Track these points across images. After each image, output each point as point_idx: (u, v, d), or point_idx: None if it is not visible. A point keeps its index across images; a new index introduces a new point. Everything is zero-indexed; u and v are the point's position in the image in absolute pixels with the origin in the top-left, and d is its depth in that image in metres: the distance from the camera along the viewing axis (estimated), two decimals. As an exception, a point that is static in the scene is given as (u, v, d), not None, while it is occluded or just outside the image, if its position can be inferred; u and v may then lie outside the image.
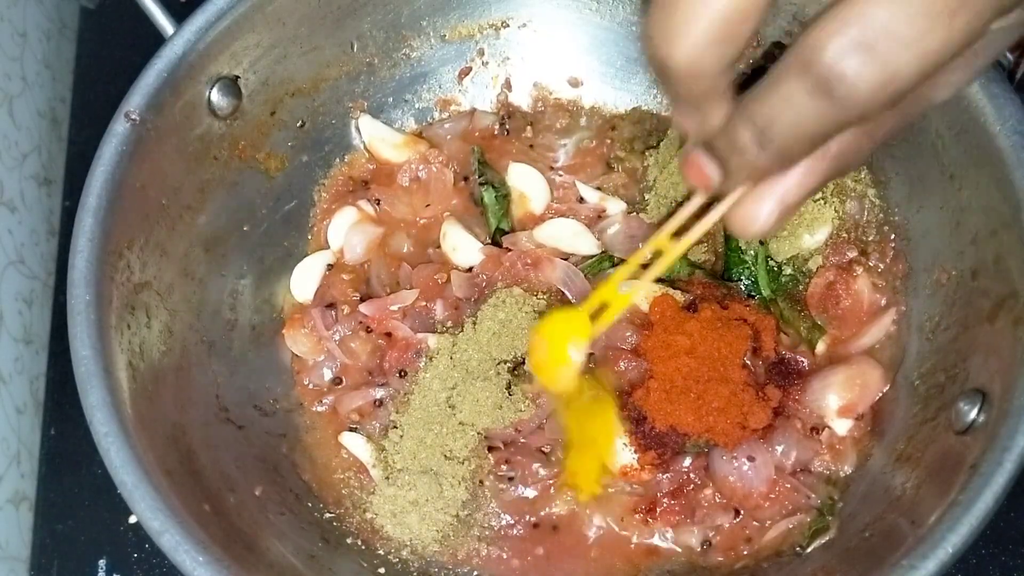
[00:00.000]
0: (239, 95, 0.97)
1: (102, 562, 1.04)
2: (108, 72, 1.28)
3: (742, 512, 0.94)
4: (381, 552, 0.94)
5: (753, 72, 1.05)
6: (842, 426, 0.95)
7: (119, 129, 0.88)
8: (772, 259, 1.02)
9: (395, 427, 0.96)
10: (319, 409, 1.02)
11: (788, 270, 1.02)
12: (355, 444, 0.98)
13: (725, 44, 0.53)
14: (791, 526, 0.92)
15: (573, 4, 1.10)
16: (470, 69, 1.13)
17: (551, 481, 0.96)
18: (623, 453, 0.94)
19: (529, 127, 1.13)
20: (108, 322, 0.84)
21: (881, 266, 1.00)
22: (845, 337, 0.99)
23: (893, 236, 1.00)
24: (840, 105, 0.51)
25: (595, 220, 1.05)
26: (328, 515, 0.96)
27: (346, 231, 1.07)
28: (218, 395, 0.96)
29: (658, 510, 0.93)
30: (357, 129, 1.10)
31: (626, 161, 1.10)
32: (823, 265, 1.01)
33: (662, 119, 1.11)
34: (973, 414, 0.81)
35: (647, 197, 1.05)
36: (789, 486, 0.92)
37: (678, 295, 0.99)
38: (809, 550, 0.90)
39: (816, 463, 0.94)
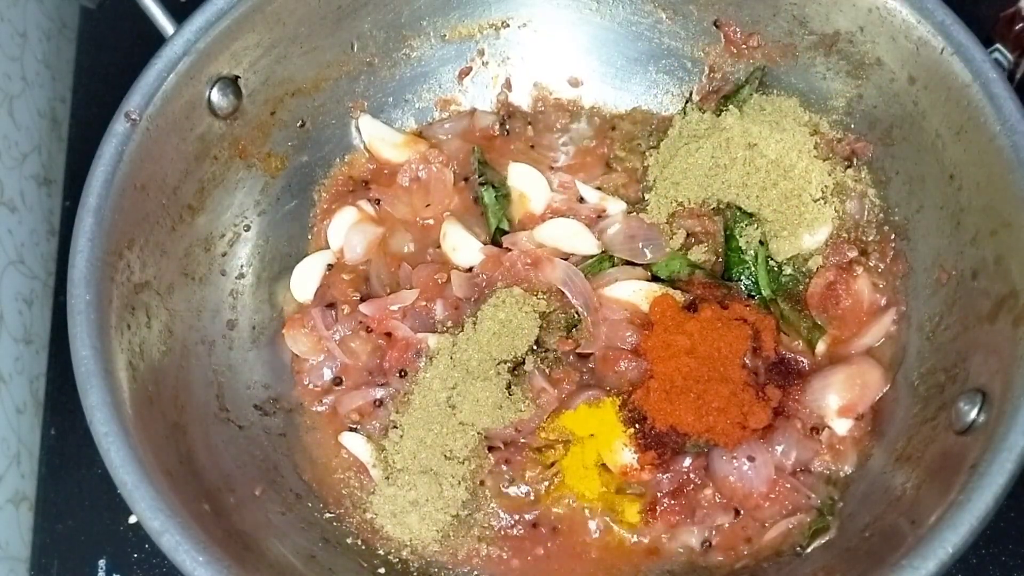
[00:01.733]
0: (239, 95, 0.97)
1: (102, 562, 1.04)
2: (108, 72, 1.28)
3: (742, 512, 0.94)
4: (381, 552, 0.94)
5: (746, 80, 1.06)
6: (842, 426, 0.95)
7: (119, 129, 0.88)
8: (772, 259, 1.02)
9: (395, 427, 0.96)
10: (319, 409, 1.02)
11: (788, 270, 1.02)
12: (355, 444, 0.98)
13: None
14: (791, 526, 0.92)
15: (573, 4, 1.10)
16: (470, 69, 1.13)
17: (551, 481, 0.96)
18: (623, 453, 0.94)
19: (529, 127, 1.13)
20: (108, 322, 0.84)
21: (881, 266, 1.00)
22: (845, 337, 0.99)
23: (893, 236, 1.00)
24: None
25: (595, 220, 1.05)
26: (328, 515, 0.96)
27: (346, 231, 1.07)
28: (218, 395, 0.96)
29: (658, 510, 0.93)
30: (357, 129, 1.10)
31: (626, 161, 1.10)
32: (823, 265, 1.01)
33: (662, 119, 1.11)
34: (973, 414, 0.81)
35: (647, 197, 1.05)
36: (789, 486, 0.92)
37: (678, 295, 0.99)
38: (809, 550, 0.90)
39: (816, 463, 0.94)
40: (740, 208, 1.02)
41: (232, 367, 0.99)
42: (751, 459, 0.92)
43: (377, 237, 1.07)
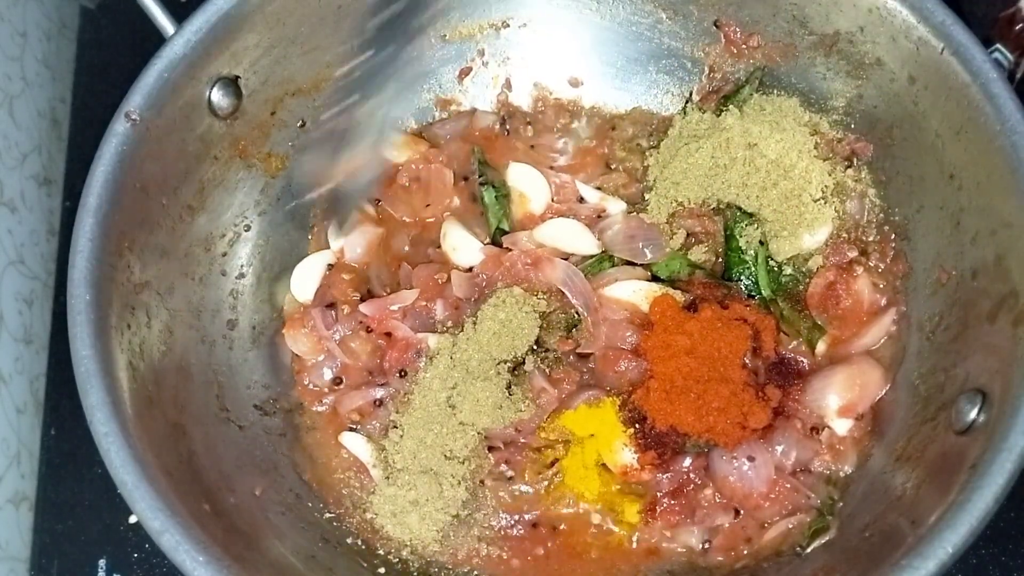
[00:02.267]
0: (239, 95, 0.97)
1: (102, 562, 1.04)
2: (108, 72, 1.28)
3: (742, 512, 0.94)
4: (381, 552, 0.94)
5: (746, 80, 1.06)
6: (842, 426, 0.95)
7: (119, 129, 0.88)
8: (772, 259, 1.02)
9: (395, 427, 0.96)
10: (319, 409, 1.02)
11: (788, 270, 1.02)
12: (355, 444, 0.98)
13: None
14: (791, 526, 0.92)
15: (573, 4, 1.10)
16: (470, 69, 1.13)
17: (551, 481, 0.96)
18: (623, 453, 0.94)
19: (529, 127, 1.13)
20: (108, 322, 0.84)
21: (881, 266, 1.00)
22: (845, 337, 0.99)
23: (893, 236, 1.00)
24: None
25: (595, 220, 1.05)
26: (328, 515, 0.96)
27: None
28: (218, 395, 0.96)
29: (658, 510, 0.93)
30: (357, 129, 1.10)
31: (626, 161, 1.10)
32: (823, 265, 1.01)
33: (662, 119, 1.11)
34: (973, 414, 0.81)
35: (647, 197, 1.05)
36: (789, 486, 0.92)
37: (678, 295, 0.99)
38: (809, 550, 0.90)
39: (816, 463, 0.94)
40: (740, 208, 1.02)
41: (232, 367, 0.99)
42: (751, 459, 0.92)
43: (377, 237, 1.07)
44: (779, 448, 0.93)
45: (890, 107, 0.97)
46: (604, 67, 1.13)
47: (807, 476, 0.94)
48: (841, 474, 0.94)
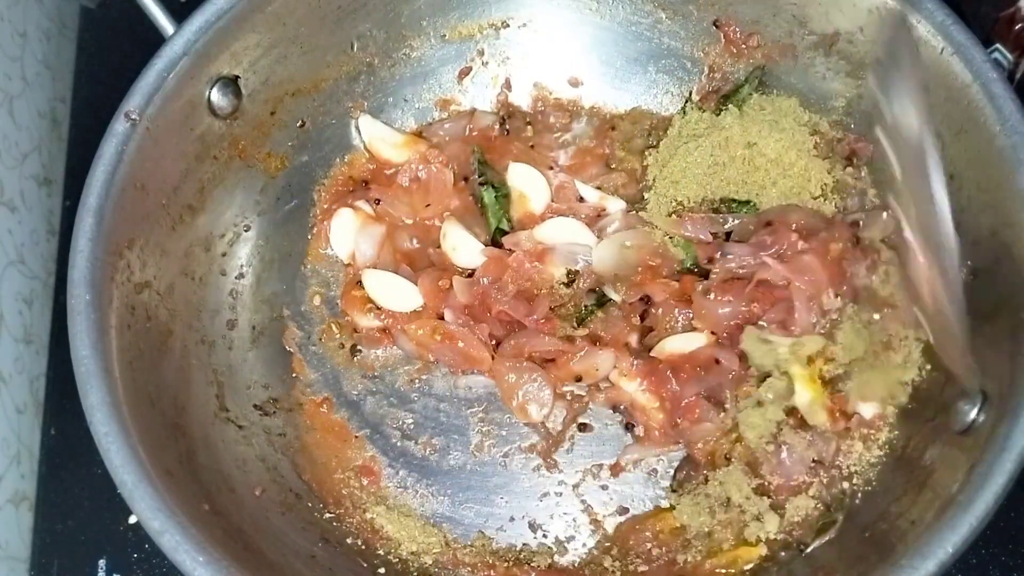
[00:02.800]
0: (239, 95, 0.97)
1: (102, 562, 1.03)
2: (108, 72, 1.28)
3: None
4: (381, 552, 0.94)
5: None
6: (868, 409, 0.93)
7: (119, 129, 0.88)
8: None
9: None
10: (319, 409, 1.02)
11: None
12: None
13: None
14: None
15: (573, 4, 1.10)
16: (470, 69, 1.13)
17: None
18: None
19: (529, 127, 1.13)
20: (108, 322, 0.84)
21: (882, 266, 1.00)
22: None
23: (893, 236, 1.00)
24: None
25: (595, 219, 1.05)
26: (328, 515, 0.96)
27: (354, 236, 1.06)
28: (218, 395, 0.96)
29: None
30: (357, 129, 1.10)
31: (626, 161, 1.10)
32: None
33: (662, 119, 1.11)
34: (973, 414, 0.81)
35: (647, 196, 1.05)
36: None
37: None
38: (811, 548, 0.90)
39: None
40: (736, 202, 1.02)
41: (232, 367, 0.99)
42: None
43: (383, 235, 1.07)
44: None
45: (890, 107, 0.97)
46: (604, 67, 1.12)
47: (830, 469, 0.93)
48: (870, 459, 0.92)
